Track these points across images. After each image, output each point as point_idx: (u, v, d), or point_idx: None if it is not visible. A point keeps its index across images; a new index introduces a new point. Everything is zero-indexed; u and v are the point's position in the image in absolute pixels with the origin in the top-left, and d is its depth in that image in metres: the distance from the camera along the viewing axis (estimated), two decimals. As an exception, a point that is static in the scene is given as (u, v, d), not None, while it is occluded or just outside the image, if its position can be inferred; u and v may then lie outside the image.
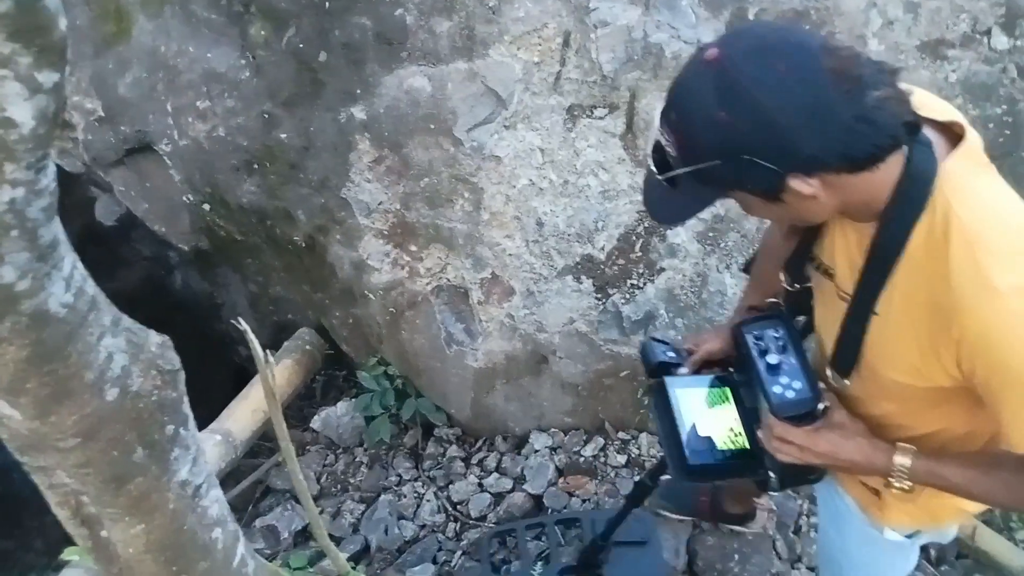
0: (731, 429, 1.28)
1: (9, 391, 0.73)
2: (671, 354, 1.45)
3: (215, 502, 1.07)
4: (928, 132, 0.93)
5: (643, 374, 1.68)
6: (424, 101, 2.07)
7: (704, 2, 2.01)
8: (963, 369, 0.92)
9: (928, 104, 0.97)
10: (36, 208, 0.64)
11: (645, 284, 2.19)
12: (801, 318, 1.27)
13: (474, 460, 2.45)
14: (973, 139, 0.94)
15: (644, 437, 2.37)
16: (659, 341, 1.47)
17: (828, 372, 1.13)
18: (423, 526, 2.29)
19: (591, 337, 2.23)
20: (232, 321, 1.42)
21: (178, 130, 2.28)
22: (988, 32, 2.12)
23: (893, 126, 0.86)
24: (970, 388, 0.94)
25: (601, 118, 2.09)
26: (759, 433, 1.19)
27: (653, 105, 2.04)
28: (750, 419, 1.27)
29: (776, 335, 1.17)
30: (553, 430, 2.42)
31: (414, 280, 2.27)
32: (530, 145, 2.10)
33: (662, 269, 2.18)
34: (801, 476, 1.22)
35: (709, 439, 1.27)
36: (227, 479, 2.28)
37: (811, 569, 2.10)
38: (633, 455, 2.34)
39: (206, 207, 2.40)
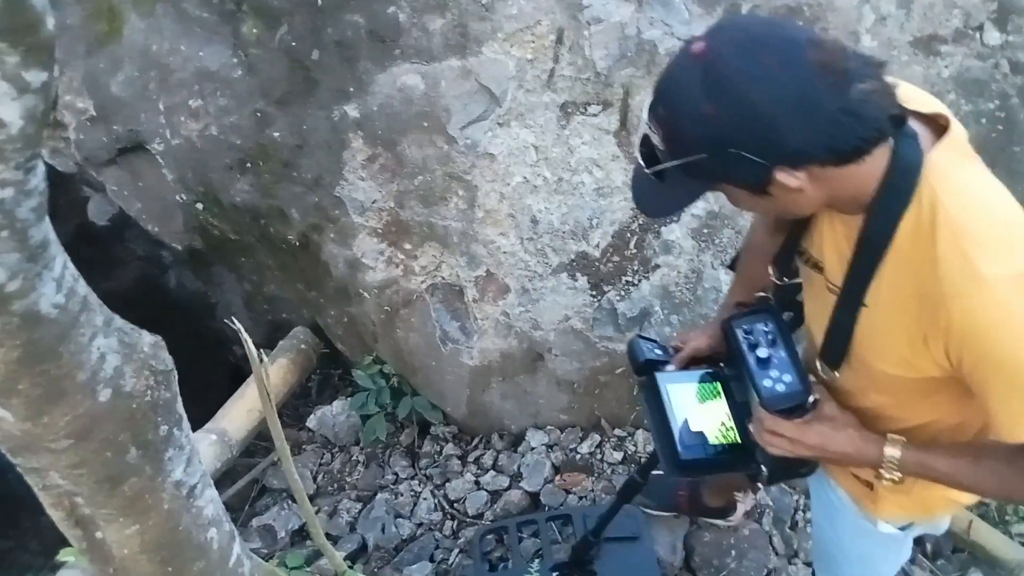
0: (722, 423, 1.29)
1: (1, 392, 0.73)
2: (658, 352, 1.45)
3: (210, 502, 1.07)
4: (914, 124, 0.94)
5: (637, 371, 1.68)
6: (417, 99, 2.07)
7: (697, -2, 2.02)
8: (951, 359, 0.93)
9: (913, 97, 0.97)
10: (26, 208, 0.64)
11: (640, 281, 2.19)
12: (789, 313, 1.28)
13: (470, 458, 2.44)
14: (958, 131, 0.95)
15: (640, 434, 2.37)
16: (646, 339, 1.48)
17: (818, 365, 1.14)
18: (420, 524, 2.29)
19: (586, 334, 2.23)
20: (226, 320, 1.42)
21: (171, 129, 2.27)
22: (980, 28, 2.13)
23: (879, 118, 0.86)
24: (959, 378, 0.94)
25: (595, 115, 2.09)
26: (750, 426, 1.20)
27: (647, 102, 2.04)
28: (741, 413, 1.28)
29: (766, 329, 1.17)
30: (549, 427, 2.42)
31: (409, 278, 2.27)
32: (524, 142, 2.10)
33: (657, 266, 2.18)
34: (792, 469, 1.22)
35: (701, 434, 1.28)
36: (223, 479, 2.28)
37: (808, 564, 2.11)
38: (629, 452, 2.34)
39: (199, 206, 2.39)
